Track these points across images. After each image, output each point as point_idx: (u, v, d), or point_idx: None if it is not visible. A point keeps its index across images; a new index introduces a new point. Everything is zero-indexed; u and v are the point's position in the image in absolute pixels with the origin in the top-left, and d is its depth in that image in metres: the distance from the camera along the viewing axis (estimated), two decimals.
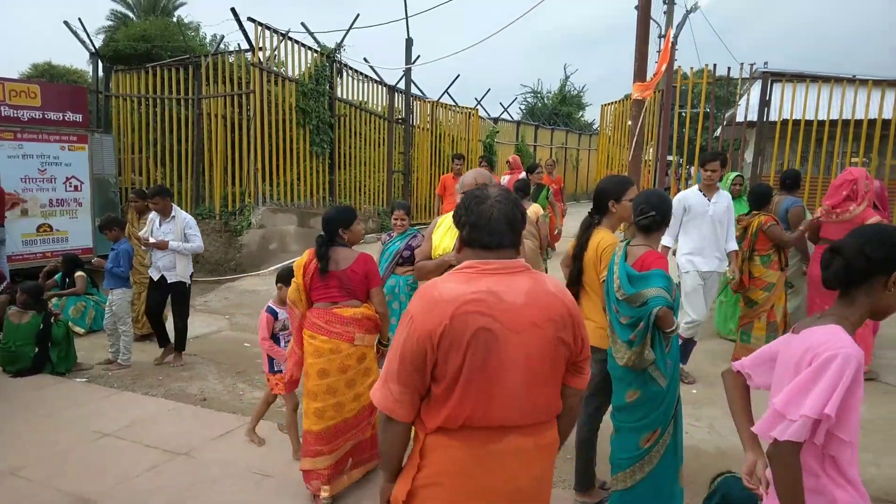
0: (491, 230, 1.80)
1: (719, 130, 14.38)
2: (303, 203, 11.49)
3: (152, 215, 6.13)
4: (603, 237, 3.29)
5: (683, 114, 13.57)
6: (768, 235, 5.40)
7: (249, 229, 10.35)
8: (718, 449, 4.14)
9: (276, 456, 4.00)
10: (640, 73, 7.45)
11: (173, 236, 5.93)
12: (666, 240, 5.13)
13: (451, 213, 3.28)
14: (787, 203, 5.84)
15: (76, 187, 9.38)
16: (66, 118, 9.36)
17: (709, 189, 5.17)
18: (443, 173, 14.85)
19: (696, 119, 12.18)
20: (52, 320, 5.77)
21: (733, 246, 5.32)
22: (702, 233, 5.15)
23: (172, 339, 6.17)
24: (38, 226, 9.00)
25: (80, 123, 9.52)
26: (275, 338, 4.15)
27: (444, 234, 3.38)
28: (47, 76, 16.74)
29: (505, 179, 9.80)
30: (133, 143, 11.57)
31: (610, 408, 3.21)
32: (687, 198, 5.20)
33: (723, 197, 5.20)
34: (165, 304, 6.20)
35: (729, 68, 11.76)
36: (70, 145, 9.35)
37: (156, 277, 6.04)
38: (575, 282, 3.40)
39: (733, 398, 2.13)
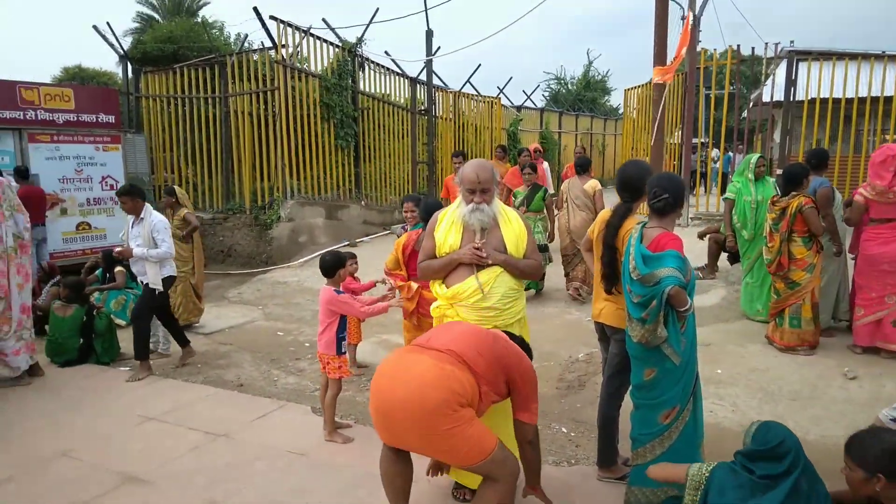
0: None
1: (746, 111, 14.21)
2: (330, 196, 11.70)
3: (130, 217, 5.72)
4: (629, 221, 3.35)
5: (711, 95, 13.41)
6: (805, 217, 5.37)
7: (279, 223, 10.59)
8: (742, 426, 4.19)
9: (309, 438, 4.17)
10: (659, 56, 7.46)
11: (142, 240, 5.56)
12: None
13: (451, 208, 3.33)
14: (815, 184, 5.79)
15: (112, 186, 9.69)
16: (99, 120, 9.68)
17: None
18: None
19: (723, 100, 12.05)
20: (94, 313, 6.04)
21: None
22: None
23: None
24: (78, 224, 9.36)
25: (112, 124, 9.84)
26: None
27: (447, 231, 3.28)
28: (78, 79, 17.19)
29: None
30: (164, 142, 11.89)
31: (630, 386, 3.30)
32: None
33: None
34: (167, 306, 5.98)
35: (753, 48, 11.63)
36: (104, 146, 9.67)
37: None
38: (608, 266, 3.31)
39: None
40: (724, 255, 7.80)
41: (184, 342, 6.00)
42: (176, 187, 7.05)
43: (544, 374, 5.45)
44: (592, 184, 7.38)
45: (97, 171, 9.59)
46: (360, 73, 12.39)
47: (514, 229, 3.28)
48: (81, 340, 5.86)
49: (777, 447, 2.46)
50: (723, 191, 11.68)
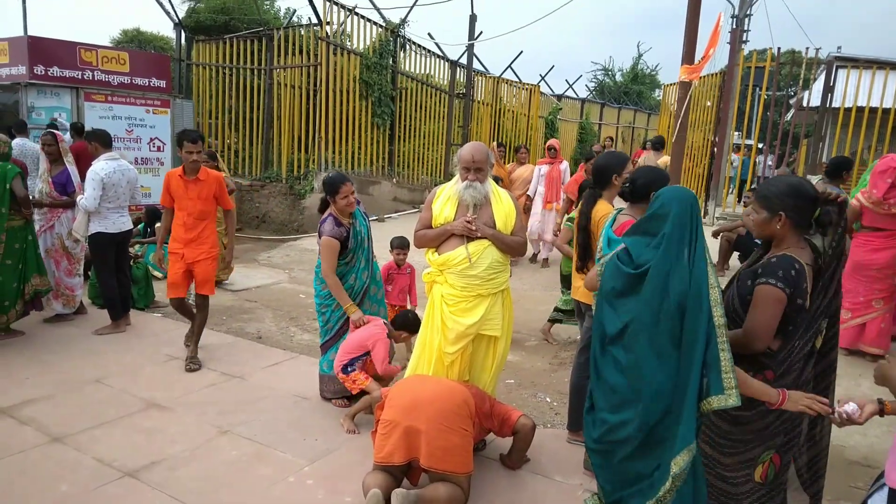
0: None
1: (790, 115, 14.09)
2: (363, 171, 12.12)
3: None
4: (601, 207, 3.65)
5: (758, 96, 13.27)
6: None
7: (312, 193, 11.06)
8: None
9: (313, 385, 4.56)
10: (688, 55, 7.60)
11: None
12: None
13: (450, 183, 3.66)
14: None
15: (159, 147, 10.28)
16: (151, 84, 10.23)
17: None
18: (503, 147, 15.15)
19: (775, 102, 11.97)
20: (132, 262, 6.57)
21: None
22: None
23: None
24: None
25: (163, 89, 10.39)
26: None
27: (444, 204, 3.58)
28: (136, 42, 17.89)
29: (544, 169, 8.65)
30: (210, 109, 12.45)
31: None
32: None
33: None
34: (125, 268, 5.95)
35: (807, 49, 11.47)
36: (154, 109, 10.23)
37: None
38: (581, 247, 3.68)
39: None
40: (735, 255, 7.98)
41: (116, 315, 5.67)
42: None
43: (542, 351, 5.79)
44: (665, 160, 8.14)
45: (146, 132, 10.16)
46: (402, 53, 12.73)
47: (503, 208, 3.60)
48: None
49: (658, 208, 2.48)
50: (739, 196, 11.66)
